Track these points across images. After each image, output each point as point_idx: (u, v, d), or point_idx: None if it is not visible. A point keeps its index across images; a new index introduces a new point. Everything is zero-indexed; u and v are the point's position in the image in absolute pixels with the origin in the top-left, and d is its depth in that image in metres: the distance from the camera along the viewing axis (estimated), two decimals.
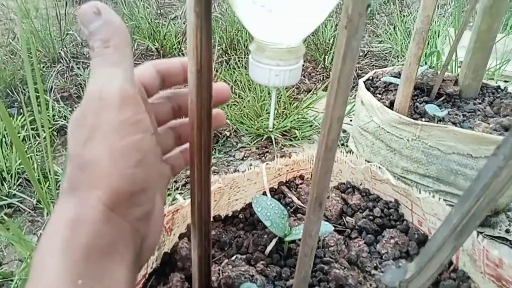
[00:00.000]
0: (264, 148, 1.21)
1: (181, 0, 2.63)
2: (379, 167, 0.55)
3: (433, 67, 1.57)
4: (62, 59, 1.67)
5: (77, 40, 1.83)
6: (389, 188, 0.55)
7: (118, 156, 0.22)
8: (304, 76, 1.68)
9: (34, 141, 1.13)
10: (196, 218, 0.34)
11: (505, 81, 1.59)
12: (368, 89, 1.01)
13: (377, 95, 1.00)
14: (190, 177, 0.31)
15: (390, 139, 0.88)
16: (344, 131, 1.30)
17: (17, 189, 0.99)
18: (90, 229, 0.21)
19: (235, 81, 1.52)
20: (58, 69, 1.60)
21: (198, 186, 0.32)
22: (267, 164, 0.56)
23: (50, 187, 0.96)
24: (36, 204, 0.96)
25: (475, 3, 0.89)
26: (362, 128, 0.98)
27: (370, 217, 0.54)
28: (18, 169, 1.03)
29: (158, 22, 1.97)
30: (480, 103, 0.97)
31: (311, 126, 1.29)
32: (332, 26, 1.94)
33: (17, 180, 1.01)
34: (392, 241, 0.50)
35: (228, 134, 1.26)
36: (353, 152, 1.03)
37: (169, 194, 0.96)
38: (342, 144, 1.21)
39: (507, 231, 0.84)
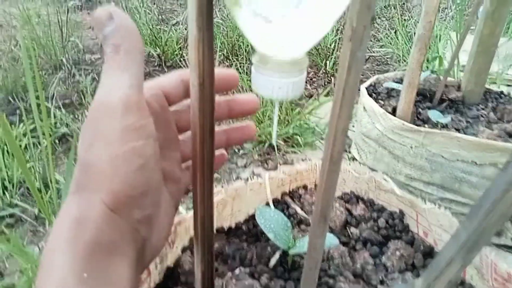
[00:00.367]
0: (266, 155, 1.20)
1: (182, 6, 2.64)
2: (384, 178, 0.54)
3: (435, 71, 1.57)
4: (64, 66, 1.67)
5: (78, 46, 1.84)
6: (394, 198, 0.55)
7: (119, 161, 0.23)
8: (305, 82, 1.68)
9: (36, 149, 1.13)
10: (199, 234, 0.33)
11: (508, 85, 1.58)
12: (370, 95, 1.00)
13: (380, 101, 1.00)
14: (192, 192, 0.31)
15: (393, 146, 0.87)
16: (347, 137, 1.29)
17: (19, 198, 0.99)
18: (92, 227, 0.22)
19: (237, 87, 1.51)
20: (59, 76, 1.60)
21: (201, 200, 0.31)
22: (270, 174, 0.55)
23: (51, 197, 0.96)
24: (38, 213, 0.95)
25: (477, 8, 0.89)
26: (364, 134, 0.97)
27: (375, 228, 0.53)
28: (20, 178, 1.03)
29: (160, 28, 1.97)
30: (483, 109, 0.96)
31: (313, 132, 1.29)
32: (333, 31, 1.94)
33: (19, 189, 1.01)
34: (397, 253, 0.49)
35: None
36: (355, 159, 1.03)
37: None
38: (345, 151, 1.20)
39: None
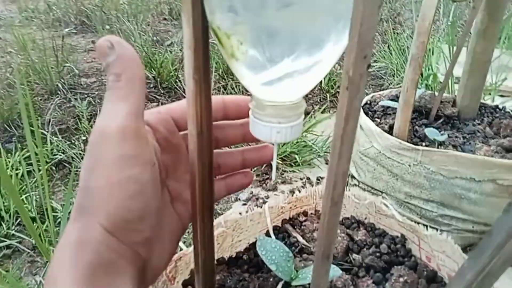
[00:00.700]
0: (264, 174, 1.20)
1: (177, 26, 2.66)
2: (384, 203, 0.54)
3: (429, 85, 1.58)
4: (60, 91, 1.67)
5: (74, 71, 1.84)
6: (394, 223, 0.55)
7: (116, 186, 0.23)
8: None
9: (33, 177, 1.12)
10: (200, 274, 0.33)
11: (501, 96, 1.60)
12: (367, 114, 1.01)
13: (376, 119, 1.00)
14: (193, 235, 0.31)
15: (392, 164, 0.87)
16: None
17: (15, 228, 0.98)
18: (92, 249, 0.23)
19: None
20: (55, 101, 1.60)
21: (201, 245, 0.31)
22: (269, 204, 0.55)
23: (48, 226, 0.95)
24: (35, 244, 0.94)
25: (470, 27, 0.90)
26: (362, 153, 0.97)
27: (377, 253, 0.53)
28: (17, 208, 1.02)
29: (155, 50, 1.98)
30: (479, 124, 0.97)
31: (310, 150, 1.29)
32: None
33: (16, 220, 1.00)
34: (401, 279, 0.49)
35: None
36: (354, 177, 1.02)
37: None
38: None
39: None
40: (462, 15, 2.51)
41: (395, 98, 1.05)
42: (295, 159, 1.23)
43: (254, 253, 0.54)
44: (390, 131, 0.92)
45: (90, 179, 0.24)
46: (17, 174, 1.14)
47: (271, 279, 0.49)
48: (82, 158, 1.29)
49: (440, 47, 1.87)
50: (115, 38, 0.25)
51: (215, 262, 0.51)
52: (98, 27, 2.20)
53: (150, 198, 0.26)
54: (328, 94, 1.71)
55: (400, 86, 1.50)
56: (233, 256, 0.55)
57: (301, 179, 1.18)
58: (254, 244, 0.56)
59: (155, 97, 1.73)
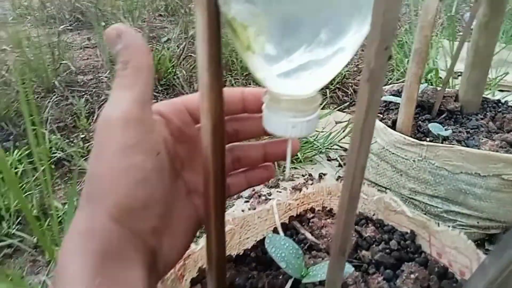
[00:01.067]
0: None
1: (173, 23, 2.64)
2: (393, 199, 0.53)
3: (429, 80, 1.58)
4: (57, 89, 1.65)
5: (70, 68, 1.82)
6: (404, 219, 0.54)
7: (119, 174, 0.24)
8: None
9: (32, 176, 1.11)
10: (213, 270, 0.32)
11: (500, 90, 1.60)
12: None
13: (379, 114, 0.99)
14: (206, 230, 0.30)
15: (396, 160, 0.87)
16: (345, 149, 1.29)
17: (16, 227, 0.97)
18: (99, 237, 0.23)
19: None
20: (53, 99, 1.58)
21: (215, 240, 0.30)
22: (277, 201, 0.54)
23: (50, 224, 0.94)
24: (37, 243, 0.93)
25: (472, 20, 0.89)
26: None
27: (387, 250, 0.52)
28: (17, 207, 1.00)
29: (152, 47, 1.96)
30: (482, 119, 0.96)
31: (312, 146, 1.28)
32: None
33: (17, 218, 0.99)
34: (412, 276, 0.48)
35: None
36: None
37: None
38: (345, 164, 1.20)
39: None
40: (459, 9, 2.50)
41: (397, 93, 1.04)
42: (297, 155, 1.23)
43: (261, 251, 0.54)
44: (393, 126, 0.91)
45: (96, 166, 0.24)
46: (16, 172, 1.12)
47: (280, 277, 0.49)
48: (81, 156, 1.28)
49: (441, 42, 1.86)
50: (122, 26, 0.25)
51: None
52: (94, 24, 2.18)
53: (155, 187, 0.25)
54: (327, 90, 1.70)
55: (400, 81, 1.50)
56: (241, 253, 0.55)
57: (303, 175, 1.17)
58: (261, 241, 0.56)
59: (153, 94, 1.72)
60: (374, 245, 0.54)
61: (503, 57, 1.61)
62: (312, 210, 0.59)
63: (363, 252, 0.53)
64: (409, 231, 0.54)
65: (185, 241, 0.30)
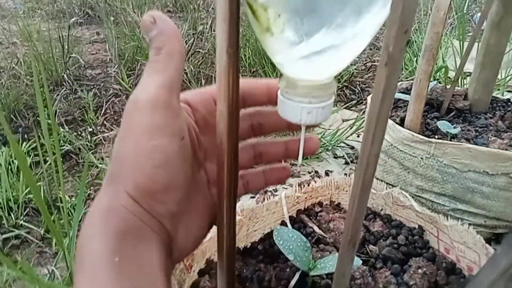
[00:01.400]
0: None
1: (181, 19, 2.65)
2: (402, 193, 0.53)
3: (438, 79, 1.57)
4: (66, 82, 1.66)
5: (79, 62, 1.83)
6: (412, 214, 0.54)
7: (143, 155, 0.24)
8: None
9: (40, 168, 1.12)
10: (224, 258, 0.33)
11: (509, 91, 1.58)
12: None
13: None
14: (218, 217, 0.30)
15: (403, 157, 0.86)
16: (352, 147, 1.28)
17: (24, 219, 0.97)
18: (119, 216, 0.23)
19: None
20: (61, 92, 1.59)
21: (227, 227, 0.30)
22: (286, 193, 0.54)
23: (59, 216, 0.95)
24: (44, 234, 0.94)
25: (484, 19, 0.89)
26: None
27: (395, 245, 0.52)
28: (25, 198, 1.01)
29: None
30: (491, 118, 0.96)
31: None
32: None
33: (24, 210, 1.00)
34: (419, 271, 0.48)
35: None
36: None
37: None
38: (352, 161, 1.20)
39: None
40: (469, 9, 2.48)
41: (406, 91, 1.04)
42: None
43: (269, 244, 0.54)
44: (401, 123, 0.91)
45: (121, 147, 0.25)
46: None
47: (288, 269, 0.49)
48: (89, 149, 1.29)
49: (450, 41, 1.85)
50: (158, 13, 0.25)
51: None
52: (103, 19, 2.19)
53: (176, 171, 0.26)
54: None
55: (407, 79, 1.49)
56: (248, 246, 0.55)
57: (309, 172, 1.17)
58: (268, 234, 0.56)
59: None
60: (381, 240, 0.54)
61: None
62: (320, 204, 0.59)
63: (371, 246, 0.53)
64: (417, 226, 0.54)
65: (202, 231, 0.30)
